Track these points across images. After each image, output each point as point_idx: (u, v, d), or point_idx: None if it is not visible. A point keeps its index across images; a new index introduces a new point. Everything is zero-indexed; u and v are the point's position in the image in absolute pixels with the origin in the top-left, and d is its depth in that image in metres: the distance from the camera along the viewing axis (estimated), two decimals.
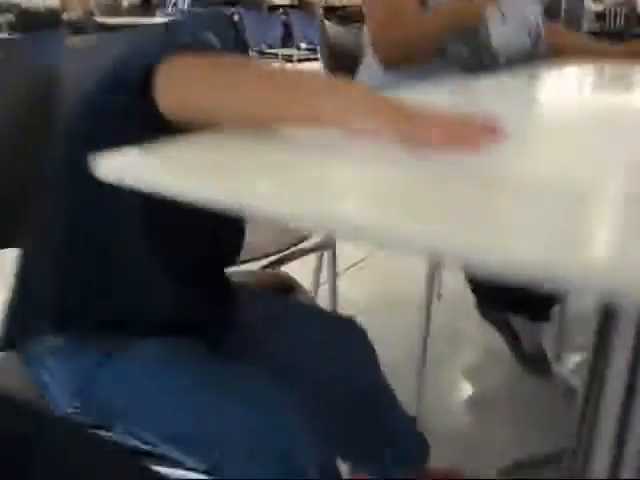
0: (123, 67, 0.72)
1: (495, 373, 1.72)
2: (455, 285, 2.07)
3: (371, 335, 1.00)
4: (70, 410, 0.79)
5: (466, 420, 1.54)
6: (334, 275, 1.53)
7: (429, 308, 1.45)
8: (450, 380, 1.71)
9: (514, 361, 1.67)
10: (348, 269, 2.40)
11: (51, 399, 0.81)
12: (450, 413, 1.55)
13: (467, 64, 1.18)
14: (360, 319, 1.01)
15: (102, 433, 0.77)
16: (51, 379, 0.81)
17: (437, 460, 1.30)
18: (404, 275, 1.93)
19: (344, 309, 1.50)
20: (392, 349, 1.75)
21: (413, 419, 1.08)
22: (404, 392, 1.45)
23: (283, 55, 6.80)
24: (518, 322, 1.59)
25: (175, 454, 0.76)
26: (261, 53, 6.82)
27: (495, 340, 1.67)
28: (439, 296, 2.11)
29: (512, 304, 1.53)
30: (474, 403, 1.60)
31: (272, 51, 6.91)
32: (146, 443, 0.77)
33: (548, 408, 1.50)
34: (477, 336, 1.85)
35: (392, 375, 1.64)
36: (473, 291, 1.42)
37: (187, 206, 0.45)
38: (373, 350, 1.01)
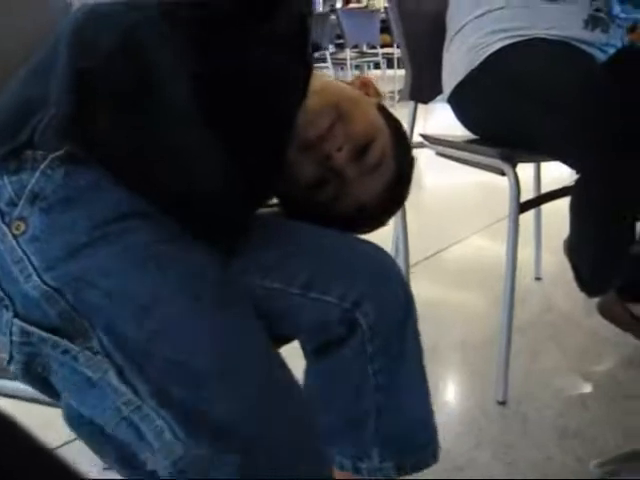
0: None
1: (600, 360, 1.69)
2: (554, 268, 2.08)
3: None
4: (39, 290, 0.60)
5: (562, 408, 1.48)
6: None
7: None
8: (549, 364, 1.71)
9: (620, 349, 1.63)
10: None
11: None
12: (545, 400, 1.52)
13: None
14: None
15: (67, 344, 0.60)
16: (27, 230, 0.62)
17: (527, 449, 1.32)
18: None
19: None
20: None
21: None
22: (492, 374, 1.49)
23: (383, 54, 6.82)
24: None
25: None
26: (362, 53, 6.89)
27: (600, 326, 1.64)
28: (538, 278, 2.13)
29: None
30: (574, 391, 1.57)
31: (373, 51, 6.95)
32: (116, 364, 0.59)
33: None
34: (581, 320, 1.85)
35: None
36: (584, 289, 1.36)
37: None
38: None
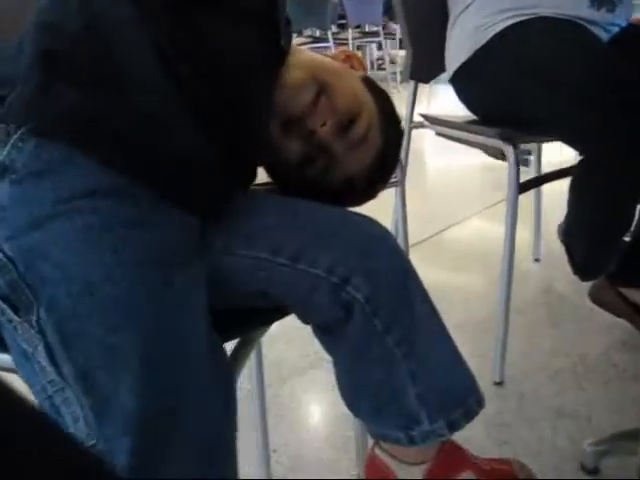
0: None
1: (596, 342, 1.69)
2: (554, 249, 2.08)
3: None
4: None
5: (558, 389, 1.49)
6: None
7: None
8: (546, 345, 1.72)
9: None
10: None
11: None
12: (541, 380, 1.53)
13: None
14: None
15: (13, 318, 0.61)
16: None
17: (522, 429, 1.33)
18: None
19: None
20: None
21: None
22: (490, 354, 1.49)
23: (385, 34, 6.73)
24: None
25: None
26: (364, 33, 6.82)
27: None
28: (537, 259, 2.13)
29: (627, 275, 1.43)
30: (570, 372, 1.57)
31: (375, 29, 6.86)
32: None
33: None
34: (578, 301, 1.85)
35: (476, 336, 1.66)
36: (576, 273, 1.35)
37: None
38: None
